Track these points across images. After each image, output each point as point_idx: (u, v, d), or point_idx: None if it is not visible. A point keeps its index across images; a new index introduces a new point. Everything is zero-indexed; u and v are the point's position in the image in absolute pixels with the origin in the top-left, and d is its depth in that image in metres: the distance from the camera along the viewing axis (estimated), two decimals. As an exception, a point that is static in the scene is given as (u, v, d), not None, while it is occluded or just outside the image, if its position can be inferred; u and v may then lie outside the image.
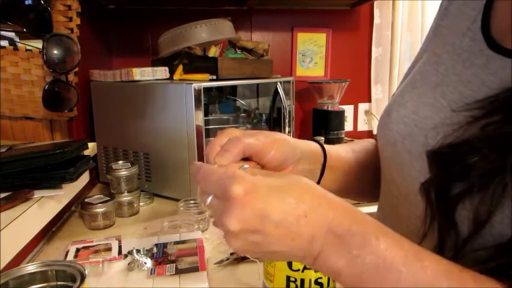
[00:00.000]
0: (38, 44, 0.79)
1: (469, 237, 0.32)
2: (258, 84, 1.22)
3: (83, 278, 0.45)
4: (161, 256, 0.69)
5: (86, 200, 0.88)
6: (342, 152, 0.54)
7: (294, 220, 0.30)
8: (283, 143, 0.44)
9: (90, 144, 0.99)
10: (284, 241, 0.31)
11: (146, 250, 0.70)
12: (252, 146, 0.40)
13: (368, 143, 0.58)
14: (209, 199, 0.33)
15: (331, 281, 0.50)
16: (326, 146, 0.51)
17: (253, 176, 0.32)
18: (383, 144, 0.47)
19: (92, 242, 0.74)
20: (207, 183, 0.33)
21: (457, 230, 0.33)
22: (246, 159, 0.41)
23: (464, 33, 0.40)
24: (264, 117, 1.34)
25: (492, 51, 0.36)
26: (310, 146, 0.49)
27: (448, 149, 0.34)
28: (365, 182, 0.56)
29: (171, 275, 0.63)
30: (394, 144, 0.42)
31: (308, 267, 0.48)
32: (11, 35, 0.84)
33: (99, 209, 0.85)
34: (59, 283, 0.49)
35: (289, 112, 1.28)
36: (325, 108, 1.58)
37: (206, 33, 1.10)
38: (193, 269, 0.65)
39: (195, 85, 0.92)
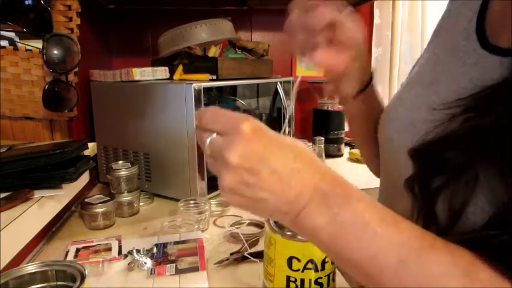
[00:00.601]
0: (38, 44, 0.79)
1: (447, 228, 0.33)
2: (258, 84, 1.22)
3: (83, 278, 0.45)
4: (161, 256, 0.69)
5: (86, 200, 0.88)
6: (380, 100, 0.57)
7: (288, 172, 0.32)
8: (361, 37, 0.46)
9: (90, 144, 0.99)
10: (274, 189, 0.32)
11: (146, 250, 0.70)
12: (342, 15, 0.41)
13: None
14: (210, 137, 0.34)
15: (331, 281, 0.50)
16: (374, 84, 0.55)
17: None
18: (382, 141, 0.49)
19: (92, 242, 0.74)
20: (215, 121, 0.34)
21: (437, 222, 0.34)
22: None
23: (461, 33, 0.41)
24: (264, 117, 1.34)
25: (484, 50, 0.37)
26: (368, 63, 0.53)
27: (429, 146, 0.35)
28: (371, 138, 0.57)
29: (171, 275, 0.63)
30: (391, 141, 0.45)
31: (309, 267, 0.48)
32: (11, 35, 0.84)
33: (99, 209, 0.85)
34: (59, 283, 0.49)
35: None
36: (325, 108, 1.58)
37: (206, 33, 1.10)
38: (193, 269, 0.65)
39: (195, 85, 0.92)
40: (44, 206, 0.65)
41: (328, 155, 1.53)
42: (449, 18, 0.46)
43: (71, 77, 0.90)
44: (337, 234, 0.32)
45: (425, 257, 0.30)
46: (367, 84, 0.53)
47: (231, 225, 0.84)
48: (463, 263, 0.29)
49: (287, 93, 1.29)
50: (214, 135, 0.34)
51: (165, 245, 0.73)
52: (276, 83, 1.26)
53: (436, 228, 0.34)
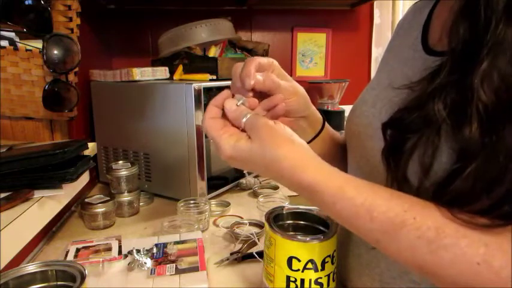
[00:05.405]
0: (38, 44, 0.79)
1: (418, 187, 0.39)
2: (258, 84, 1.22)
3: (83, 278, 0.45)
4: (161, 256, 0.69)
5: (86, 200, 0.88)
6: (336, 135, 0.66)
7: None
8: (302, 97, 0.54)
9: (90, 144, 0.99)
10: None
11: (146, 250, 0.70)
12: (280, 88, 0.51)
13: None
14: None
15: (331, 281, 0.50)
16: (326, 123, 0.62)
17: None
18: (350, 137, 0.57)
19: (92, 242, 0.74)
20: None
21: (410, 186, 0.40)
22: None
23: (409, 46, 0.53)
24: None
25: (429, 55, 0.48)
26: (316, 112, 0.60)
27: (393, 118, 0.43)
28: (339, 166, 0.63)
29: (171, 275, 0.63)
30: (358, 135, 0.52)
31: (309, 267, 0.48)
32: (11, 35, 0.84)
33: (99, 209, 0.85)
34: (59, 283, 0.49)
35: (289, 112, 1.28)
36: (325, 108, 1.58)
37: (206, 33, 1.10)
38: (193, 269, 0.65)
39: (195, 85, 0.92)
40: (44, 206, 0.65)
41: (328, 155, 1.53)
42: (398, 37, 0.59)
43: (71, 77, 0.90)
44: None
45: (394, 199, 0.38)
46: (320, 129, 0.60)
47: (231, 225, 0.84)
48: (420, 204, 0.37)
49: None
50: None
51: (165, 245, 0.73)
52: (276, 83, 1.25)
53: (409, 190, 0.40)
